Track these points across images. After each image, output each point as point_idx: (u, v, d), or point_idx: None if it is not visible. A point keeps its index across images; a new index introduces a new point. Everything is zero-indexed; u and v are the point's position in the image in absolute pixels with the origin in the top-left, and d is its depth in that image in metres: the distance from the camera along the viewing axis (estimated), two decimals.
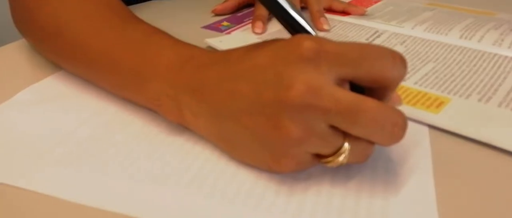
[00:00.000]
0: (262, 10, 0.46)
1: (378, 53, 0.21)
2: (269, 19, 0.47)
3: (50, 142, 0.26)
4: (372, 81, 0.21)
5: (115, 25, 0.31)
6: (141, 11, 0.54)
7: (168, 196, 0.22)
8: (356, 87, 0.21)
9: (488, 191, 0.23)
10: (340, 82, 0.21)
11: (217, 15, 0.50)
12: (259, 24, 0.44)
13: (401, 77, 0.22)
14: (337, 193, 0.23)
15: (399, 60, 0.21)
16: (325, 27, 0.45)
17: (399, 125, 0.21)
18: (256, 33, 0.44)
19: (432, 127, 0.29)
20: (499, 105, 0.30)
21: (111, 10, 0.33)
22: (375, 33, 0.44)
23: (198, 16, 0.50)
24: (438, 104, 0.31)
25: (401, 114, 0.21)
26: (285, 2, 0.23)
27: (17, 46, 0.41)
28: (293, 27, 0.23)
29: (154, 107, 0.28)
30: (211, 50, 0.28)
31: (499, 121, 0.29)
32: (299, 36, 0.22)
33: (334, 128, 0.21)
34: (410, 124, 0.28)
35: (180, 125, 0.27)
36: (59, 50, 0.33)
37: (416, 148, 0.26)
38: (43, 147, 0.26)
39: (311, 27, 0.24)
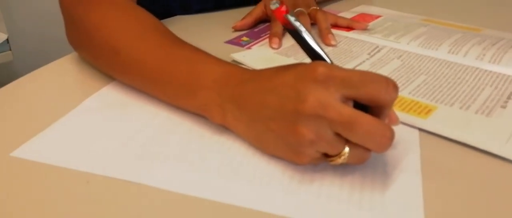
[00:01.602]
0: (277, 28, 0.53)
1: (375, 80, 0.27)
2: (283, 35, 0.54)
3: (121, 140, 0.33)
4: (370, 101, 0.28)
5: (165, 45, 0.38)
6: (168, 26, 0.60)
7: (216, 182, 0.29)
8: (362, 105, 0.28)
9: (466, 182, 0.30)
10: (345, 100, 0.27)
11: (237, 31, 0.57)
12: (275, 40, 0.51)
13: (393, 100, 0.28)
14: (345, 185, 0.29)
15: (392, 86, 0.27)
16: (333, 43, 0.51)
17: (387, 136, 0.27)
18: (273, 48, 0.51)
19: (421, 130, 0.36)
20: (476, 112, 0.37)
21: (159, 32, 0.39)
22: (375, 48, 0.51)
23: (220, 31, 0.57)
24: (427, 111, 0.38)
25: (389, 128, 0.27)
26: (309, 36, 0.30)
27: (70, 59, 0.48)
28: (313, 54, 0.30)
29: (202, 112, 0.34)
30: (248, 68, 0.34)
31: (476, 125, 0.36)
32: (316, 63, 0.28)
33: (338, 135, 0.28)
34: (403, 127, 0.36)
35: (223, 126, 0.34)
36: (116, 66, 0.40)
37: (408, 147, 0.33)
38: (116, 144, 0.33)
39: (326, 55, 0.30)
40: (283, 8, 0.28)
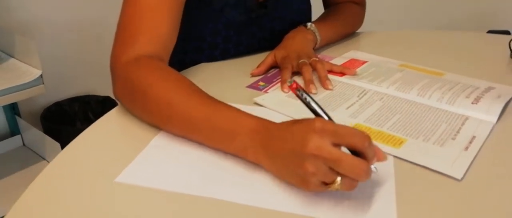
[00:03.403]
0: (286, 76, 0.68)
1: (354, 134, 0.40)
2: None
3: (187, 168, 0.48)
4: (351, 148, 0.41)
5: (208, 103, 0.51)
6: (195, 74, 0.75)
7: (254, 195, 0.44)
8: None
9: (425, 191, 0.45)
10: (335, 145, 0.41)
11: (253, 76, 0.73)
12: (285, 86, 0.67)
13: (367, 148, 0.40)
14: (345, 203, 0.44)
15: (364, 139, 0.40)
16: (330, 87, 0.67)
17: (364, 170, 0.39)
18: (284, 92, 0.66)
19: (395, 157, 0.51)
20: (434, 143, 0.53)
21: (199, 92, 0.53)
22: (363, 91, 0.66)
23: (241, 77, 0.72)
24: (400, 142, 0.53)
25: (365, 163, 0.39)
26: (311, 101, 0.43)
27: (117, 111, 0.62)
28: (314, 112, 0.44)
29: (239, 153, 0.48)
30: (271, 121, 0.48)
31: (432, 153, 0.51)
32: (315, 119, 0.42)
33: (331, 168, 0.41)
34: None
35: (255, 163, 0.48)
36: (169, 117, 0.52)
37: (385, 170, 0.48)
38: (184, 170, 0.47)
39: (324, 112, 0.44)
40: (294, 85, 0.43)
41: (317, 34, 0.81)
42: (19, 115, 1.50)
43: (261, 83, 0.70)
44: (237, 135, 0.48)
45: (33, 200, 0.44)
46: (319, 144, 0.40)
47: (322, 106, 0.44)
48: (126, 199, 0.44)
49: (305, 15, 0.88)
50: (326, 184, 0.42)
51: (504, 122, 0.58)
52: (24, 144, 1.52)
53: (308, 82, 0.67)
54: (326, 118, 0.44)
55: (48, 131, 1.45)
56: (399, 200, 0.44)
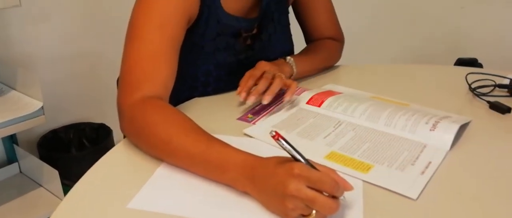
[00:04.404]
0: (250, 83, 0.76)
1: (325, 182, 0.48)
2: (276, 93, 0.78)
3: (189, 194, 0.56)
4: (324, 191, 0.50)
5: (204, 140, 0.60)
6: (190, 108, 0.84)
7: (247, 215, 0.52)
8: None
9: (388, 205, 0.55)
10: (310, 187, 0.50)
11: (243, 101, 0.78)
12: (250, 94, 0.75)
13: (335, 192, 0.48)
14: None
15: (334, 185, 0.49)
16: (265, 102, 0.75)
17: (334, 208, 0.48)
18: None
19: (364, 181, 0.60)
20: (396, 169, 0.62)
21: (196, 129, 0.62)
22: (338, 123, 0.76)
23: (231, 110, 0.82)
24: (367, 168, 0.62)
25: (335, 202, 0.48)
26: (291, 148, 0.52)
27: (124, 145, 0.71)
28: (293, 157, 0.53)
29: (230, 184, 0.57)
30: (258, 156, 0.56)
31: (394, 177, 0.60)
32: (294, 165, 0.50)
33: (307, 205, 0.50)
34: (352, 179, 0.60)
35: (244, 192, 0.56)
36: (168, 152, 0.61)
37: (355, 192, 0.57)
38: (187, 197, 0.56)
39: (302, 157, 0.52)
40: (276, 136, 0.51)
41: (294, 67, 0.91)
42: (16, 143, 1.56)
43: (249, 115, 0.80)
44: (226, 170, 0.56)
45: None
46: (297, 187, 0.49)
47: (301, 152, 0.52)
48: None
49: (289, 55, 0.98)
50: (303, 215, 0.51)
51: (456, 150, 0.68)
52: (21, 171, 1.57)
53: (258, 92, 0.76)
54: (304, 162, 0.52)
55: (44, 158, 1.51)
56: (367, 211, 0.53)
